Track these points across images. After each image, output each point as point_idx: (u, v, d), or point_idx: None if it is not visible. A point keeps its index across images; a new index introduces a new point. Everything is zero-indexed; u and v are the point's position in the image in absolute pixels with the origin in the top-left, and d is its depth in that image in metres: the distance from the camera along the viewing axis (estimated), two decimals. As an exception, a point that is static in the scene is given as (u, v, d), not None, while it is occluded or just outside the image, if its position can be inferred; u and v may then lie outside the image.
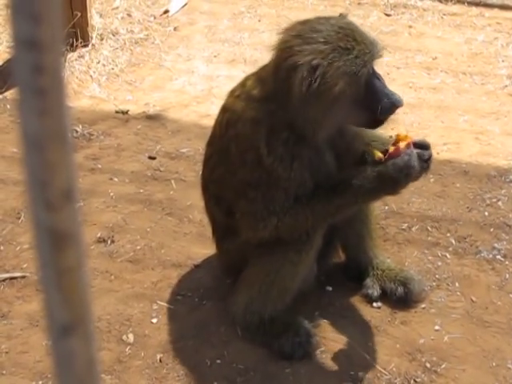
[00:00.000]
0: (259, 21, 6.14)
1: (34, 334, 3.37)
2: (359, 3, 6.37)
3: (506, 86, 5.17)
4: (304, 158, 3.01)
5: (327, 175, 3.08)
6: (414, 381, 3.13)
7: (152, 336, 3.36)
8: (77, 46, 5.52)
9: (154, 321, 3.45)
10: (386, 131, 3.52)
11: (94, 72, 5.42)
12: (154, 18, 6.21)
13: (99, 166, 4.48)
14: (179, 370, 3.20)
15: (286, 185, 3.02)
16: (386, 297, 3.50)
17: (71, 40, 5.47)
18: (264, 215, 3.06)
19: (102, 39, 5.73)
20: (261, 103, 3.02)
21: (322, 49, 2.85)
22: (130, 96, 5.22)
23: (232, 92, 3.22)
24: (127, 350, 3.29)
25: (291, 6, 6.35)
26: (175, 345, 3.32)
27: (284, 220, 3.06)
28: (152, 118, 4.92)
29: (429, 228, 3.90)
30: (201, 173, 3.47)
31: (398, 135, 3.05)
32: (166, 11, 6.29)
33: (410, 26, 6.02)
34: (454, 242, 3.80)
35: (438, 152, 4.40)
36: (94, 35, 5.67)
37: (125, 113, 4.99)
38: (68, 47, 5.45)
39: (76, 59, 5.49)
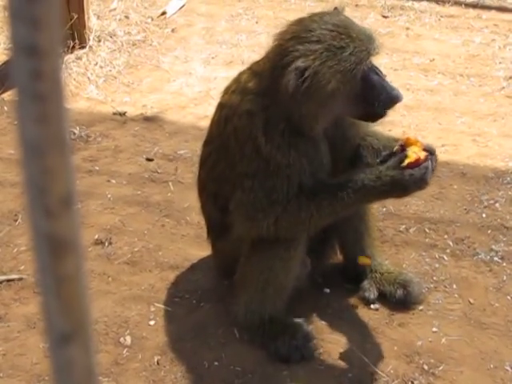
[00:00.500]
0: (257, 22, 6.14)
1: (32, 337, 3.36)
2: (356, 5, 6.37)
3: (504, 87, 5.17)
4: (300, 147, 3.02)
5: (323, 165, 3.10)
6: (412, 383, 3.12)
7: (149, 338, 3.36)
8: (74, 47, 5.52)
9: (152, 323, 3.44)
10: (383, 127, 3.53)
11: (92, 74, 5.42)
12: (152, 19, 6.21)
13: (97, 168, 4.47)
14: (177, 373, 3.20)
15: (287, 172, 3.01)
16: (384, 299, 3.50)
17: (68, 42, 5.46)
18: (264, 205, 3.04)
19: (99, 41, 5.72)
20: (256, 96, 3.03)
21: (314, 48, 2.86)
22: (128, 98, 5.21)
23: (227, 89, 3.23)
24: (125, 352, 3.29)
25: (288, 7, 6.36)
26: (173, 347, 3.31)
27: (287, 210, 3.03)
28: (150, 120, 4.92)
29: (426, 230, 3.90)
30: (197, 174, 3.46)
31: (407, 139, 3.03)
32: (164, 13, 6.29)
33: (408, 28, 6.02)
34: (451, 243, 3.80)
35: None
36: (91, 37, 5.66)
37: (122, 114, 4.98)
38: (65, 49, 5.45)
39: (73, 61, 5.48)
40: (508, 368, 3.19)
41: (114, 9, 6.28)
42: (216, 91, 5.19)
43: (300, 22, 3.00)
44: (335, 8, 3.13)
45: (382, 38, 5.76)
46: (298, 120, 2.97)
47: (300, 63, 2.84)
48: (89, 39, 5.63)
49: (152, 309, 3.51)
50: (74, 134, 4.75)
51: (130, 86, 5.35)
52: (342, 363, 3.22)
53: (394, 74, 5.36)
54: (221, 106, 3.22)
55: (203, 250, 3.80)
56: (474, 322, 3.41)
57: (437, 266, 3.71)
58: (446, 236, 3.87)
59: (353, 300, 3.53)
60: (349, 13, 6.15)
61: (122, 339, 3.35)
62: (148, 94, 5.25)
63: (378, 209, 3.97)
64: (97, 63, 5.51)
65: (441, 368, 3.18)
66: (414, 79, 5.34)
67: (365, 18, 6.14)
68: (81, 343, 0.83)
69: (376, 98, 2.95)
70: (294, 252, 3.20)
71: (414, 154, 2.96)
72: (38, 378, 3.17)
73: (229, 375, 3.17)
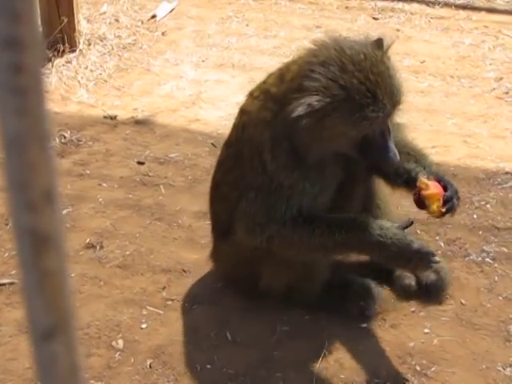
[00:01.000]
0: (247, 25, 6.14)
1: (23, 341, 3.35)
2: (347, 7, 6.38)
3: (494, 88, 5.19)
4: (304, 169, 2.99)
5: (327, 188, 3.07)
6: (405, 384, 3.13)
7: (142, 342, 3.35)
8: (64, 51, 5.51)
9: (144, 326, 3.44)
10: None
11: (82, 77, 5.41)
12: (142, 22, 6.21)
13: (88, 172, 4.47)
14: (169, 376, 3.19)
15: (288, 193, 3.00)
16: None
17: (58, 46, 5.46)
18: (263, 220, 3.05)
19: (89, 44, 5.72)
20: (274, 103, 3.01)
21: (335, 93, 2.80)
22: (118, 101, 5.21)
23: (251, 93, 3.22)
24: (117, 355, 3.28)
25: (279, 10, 6.36)
26: (165, 350, 3.31)
27: (281, 231, 3.02)
28: (140, 123, 4.91)
29: (418, 231, 3.90)
30: (213, 171, 3.45)
31: (424, 184, 3.04)
32: (154, 16, 6.29)
33: (398, 30, 6.03)
34: (443, 244, 3.81)
35: (427, 155, 4.41)
36: (81, 41, 5.66)
37: (113, 118, 4.98)
38: (55, 53, 5.44)
39: (63, 65, 5.47)
40: (500, 368, 3.19)
41: (104, 12, 6.27)
42: (206, 94, 5.20)
43: (341, 48, 2.90)
44: (379, 38, 3.01)
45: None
46: (298, 144, 2.95)
47: (314, 101, 2.78)
48: (79, 43, 5.62)
49: (144, 312, 3.50)
50: (65, 137, 4.74)
51: (120, 90, 5.34)
52: (334, 365, 3.22)
53: (384, 75, 5.36)
54: (241, 112, 3.22)
55: (195, 253, 3.80)
56: (466, 322, 3.41)
57: (428, 267, 3.71)
58: (437, 237, 3.88)
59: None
60: (339, 15, 6.20)
61: (114, 343, 3.34)
62: (139, 97, 5.24)
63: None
64: (87, 67, 5.51)
65: (433, 369, 3.18)
66: (404, 81, 5.33)
67: (355, 20, 6.15)
68: (64, 339, 0.82)
69: (372, 155, 2.94)
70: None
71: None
72: (30, 383, 3.16)
73: (221, 378, 3.17)
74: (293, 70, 3.02)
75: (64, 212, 4.10)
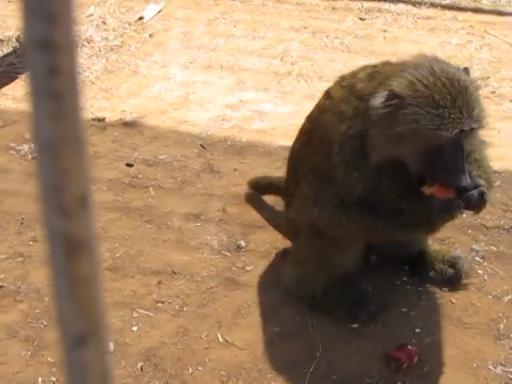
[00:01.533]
0: (235, 26, 6.14)
1: (13, 345, 3.34)
2: (333, 8, 6.39)
3: (481, 88, 5.20)
4: (365, 171, 3.02)
5: (378, 196, 3.08)
6: (396, 384, 3.13)
7: (132, 344, 3.34)
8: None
9: (135, 329, 3.43)
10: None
11: (70, 80, 5.39)
12: (129, 24, 6.20)
13: (76, 174, 4.45)
14: (160, 378, 3.19)
15: (339, 187, 3.09)
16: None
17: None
18: (310, 203, 3.19)
19: (76, 47, 5.70)
20: (356, 99, 3.03)
21: (418, 88, 2.82)
22: (107, 103, 5.20)
23: (341, 79, 3.23)
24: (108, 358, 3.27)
25: (266, 11, 6.36)
26: (156, 353, 3.30)
27: (321, 215, 3.16)
28: (129, 125, 4.90)
29: (407, 231, 3.91)
30: (294, 141, 3.49)
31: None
32: (141, 18, 6.28)
33: (385, 30, 6.05)
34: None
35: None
36: (68, 43, 5.63)
37: (101, 120, 4.96)
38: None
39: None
40: (491, 367, 3.20)
41: (91, 14, 6.26)
42: (195, 96, 5.20)
43: (435, 61, 2.96)
44: (465, 68, 3.03)
45: (360, 40, 5.82)
46: (368, 141, 2.97)
47: (397, 89, 2.83)
48: (66, 45, 5.60)
49: (135, 315, 3.50)
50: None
51: (108, 92, 5.33)
52: (325, 365, 3.22)
53: (372, 76, 5.38)
54: (327, 94, 3.25)
55: (185, 255, 3.79)
56: (457, 321, 3.42)
57: (418, 266, 3.72)
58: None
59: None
60: (326, 16, 6.21)
61: (104, 346, 3.32)
62: (127, 99, 5.23)
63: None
64: (74, 69, 5.49)
65: (424, 369, 3.19)
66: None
67: (342, 21, 6.16)
68: (96, 346, 0.81)
69: (438, 171, 2.87)
70: (351, 247, 3.35)
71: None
72: (21, 387, 3.14)
73: (213, 380, 3.17)
74: (385, 71, 3.06)
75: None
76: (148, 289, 3.63)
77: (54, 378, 3.19)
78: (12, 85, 5.41)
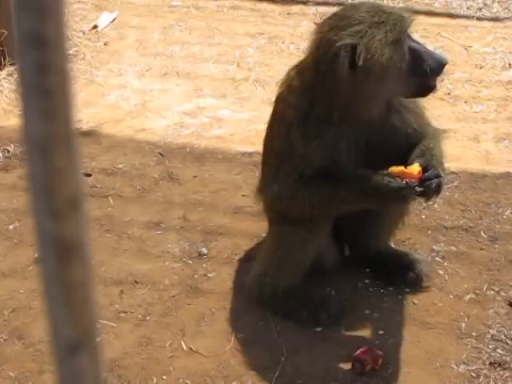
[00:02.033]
0: (190, 33, 6.13)
1: (-26, 360, 3.29)
2: (288, 13, 6.41)
3: (436, 90, 5.25)
4: (323, 139, 3.10)
5: (336, 162, 3.15)
6: (361, 386, 3.14)
7: (96, 355, 3.31)
8: (5, 64, 5.44)
9: (97, 340, 3.39)
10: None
11: (25, 90, 5.33)
12: (84, 33, 6.15)
13: (34, 186, 4.40)
14: (125, 389, 3.16)
15: (297, 160, 3.13)
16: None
17: (-1, 58, 5.38)
18: (271, 182, 3.23)
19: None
20: (301, 92, 3.14)
21: (358, 29, 2.95)
22: (63, 113, 5.14)
23: (281, 83, 3.34)
24: (71, 371, 3.23)
25: (221, 17, 6.36)
26: (120, 363, 3.27)
27: (282, 191, 3.19)
28: (86, 135, 4.85)
29: (368, 233, 3.93)
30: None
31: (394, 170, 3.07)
32: (95, 26, 6.24)
33: (340, 35, 6.07)
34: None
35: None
36: (22, 53, 5.57)
37: (58, 130, 4.91)
38: (-4, 66, 5.37)
39: (4, 78, 5.40)
40: (454, 366, 3.23)
41: (45, 24, 6.20)
42: (152, 103, 5.17)
43: (334, 14, 3.12)
44: None
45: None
46: (354, 106, 3.04)
47: (348, 41, 2.93)
48: (20, 55, 5.54)
49: (97, 325, 3.46)
50: (9, 151, 4.67)
51: (64, 102, 5.28)
52: (289, 370, 3.22)
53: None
54: (277, 99, 3.33)
55: (147, 264, 3.77)
56: (419, 322, 3.45)
57: (380, 268, 3.74)
58: (387, 238, 3.90)
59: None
60: (281, 21, 6.23)
61: (67, 358, 3.29)
62: (83, 108, 5.18)
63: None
64: (29, 79, 5.43)
65: (389, 370, 3.20)
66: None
67: (297, 26, 6.18)
68: (90, 352, 0.79)
69: (425, 64, 3.05)
70: (315, 236, 3.34)
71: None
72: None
73: (178, 388, 3.15)
74: (307, 59, 3.18)
75: (11, 227, 4.04)
76: (110, 299, 3.60)
77: (16, 393, 3.15)
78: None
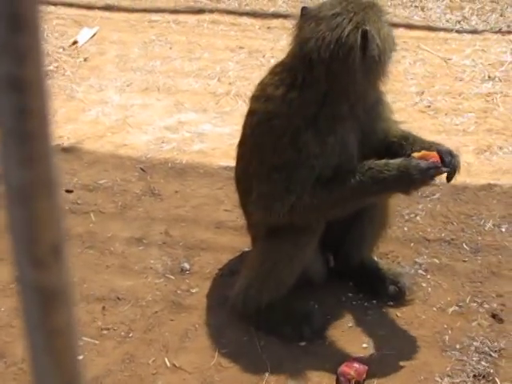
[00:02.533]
0: (170, 48, 6.13)
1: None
2: (268, 27, 6.42)
3: (416, 102, 5.28)
4: (338, 134, 3.11)
5: (349, 156, 3.17)
6: (346, 400, 3.13)
7: (78, 373, 3.28)
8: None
9: (80, 357, 3.36)
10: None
11: (4, 106, 5.31)
12: (63, 49, 6.14)
13: (14, 202, 4.37)
14: (108, 407, 3.14)
15: (313, 162, 3.09)
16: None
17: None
18: (282, 195, 3.13)
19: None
20: (299, 90, 3.11)
21: (362, 16, 3.01)
22: (43, 129, 5.12)
23: (254, 97, 3.31)
24: (53, 389, 3.20)
25: (201, 32, 6.36)
26: (103, 381, 3.25)
27: (302, 199, 3.12)
28: (67, 151, 4.83)
29: (351, 247, 3.93)
30: (235, 170, 3.54)
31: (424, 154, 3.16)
32: (75, 42, 6.22)
33: (320, 48, 6.09)
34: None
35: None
36: (2, 69, 5.55)
37: (38, 146, 4.89)
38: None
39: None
40: (438, 379, 3.23)
41: (24, 40, 6.18)
42: (133, 119, 5.16)
43: (310, 11, 3.17)
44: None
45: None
46: (363, 94, 3.10)
47: (364, 27, 2.98)
48: None
49: (79, 343, 3.43)
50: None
51: (44, 118, 5.25)
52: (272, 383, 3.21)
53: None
54: (251, 113, 3.30)
55: (129, 280, 3.75)
56: (403, 335, 3.45)
57: (363, 281, 3.74)
58: (370, 252, 3.91)
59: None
60: (261, 35, 6.24)
61: (49, 376, 3.26)
62: (63, 124, 5.16)
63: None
64: (9, 95, 5.41)
65: (373, 383, 3.20)
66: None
67: (278, 40, 6.19)
68: None
69: None
70: (302, 252, 3.31)
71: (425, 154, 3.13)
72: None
73: (162, 406, 3.13)
74: (288, 59, 3.25)
75: (-8, 245, 4.01)
76: (92, 316, 3.58)
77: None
78: None
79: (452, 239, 3.98)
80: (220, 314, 3.56)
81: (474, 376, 3.23)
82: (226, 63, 5.83)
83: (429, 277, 3.76)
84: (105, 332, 3.50)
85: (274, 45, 6.06)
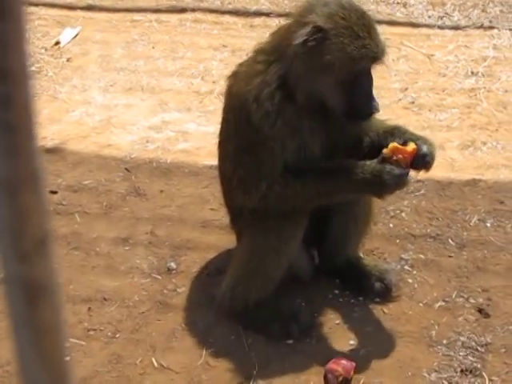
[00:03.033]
0: (153, 48, 6.11)
1: None
2: (251, 25, 6.42)
3: (400, 99, 5.29)
4: (287, 115, 3.08)
5: (313, 140, 3.16)
6: (334, 397, 3.13)
7: (65, 375, 3.27)
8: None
9: (67, 359, 3.35)
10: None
11: (-13, 108, 5.28)
12: (46, 50, 6.11)
13: (-1, 204, 4.35)
14: (96, 408, 3.12)
15: (271, 144, 3.09)
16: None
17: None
18: (255, 179, 3.14)
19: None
20: (266, 55, 3.17)
21: (336, 19, 2.98)
22: (26, 130, 5.09)
23: (229, 86, 3.32)
24: (40, 391, 3.19)
25: (184, 31, 6.35)
26: (90, 382, 3.24)
27: (273, 188, 3.13)
28: (51, 152, 4.81)
29: (336, 244, 3.93)
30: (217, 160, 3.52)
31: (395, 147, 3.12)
32: (58, 42, 6.19)
33: (303, 46, 6.09)
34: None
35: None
36: (-16, 70, 5.52)
37: (22, 148, 4.86)
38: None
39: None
40: (425, 374, 3.24)
41: (6, 41, 6.14)
42: (117, 119, 5.14)
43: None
44: None
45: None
46: (292, 81, 3.06)
47: (321, 23, 2.96)
48: (-18, 73, 5.49)
49: (66, 344, 3.42)
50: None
51: (27, 119, 5.23)
52: (262, 383, 3.20)
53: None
54: (228, 81, 3.34)
55: (115, 281, 3.74)
56: (390, 331, 3.45)
57: (349, 278, 3.74)
58: (356, 248, 3.91)
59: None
60: (244, 33, 6.24)
61: (36, 379, 3.25)
62: (47, 125, 5.13)
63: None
64: (-8, 97, 5.38)
65: (361, 380, 3.20)
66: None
67: (261, 38, 6.15)
68: None
69: (358, 99, 3.06)
70: (287, 247, 3.30)
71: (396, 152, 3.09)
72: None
73: (150, 406, 3.12)
74: (286, 25, 3.21)
75: (-24, 247, 3.98)
76: (79, 317, 3.56)
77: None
78: None
79: (437, 235, 3.99)
80: (207, 313, 3.56)
81: (462, 371, 3.25)
82: (210, 62, 5.82)
83: (415, 273, 3.77)
84: (91, 333, 3.49)
85: (257, 43, 6.05)
